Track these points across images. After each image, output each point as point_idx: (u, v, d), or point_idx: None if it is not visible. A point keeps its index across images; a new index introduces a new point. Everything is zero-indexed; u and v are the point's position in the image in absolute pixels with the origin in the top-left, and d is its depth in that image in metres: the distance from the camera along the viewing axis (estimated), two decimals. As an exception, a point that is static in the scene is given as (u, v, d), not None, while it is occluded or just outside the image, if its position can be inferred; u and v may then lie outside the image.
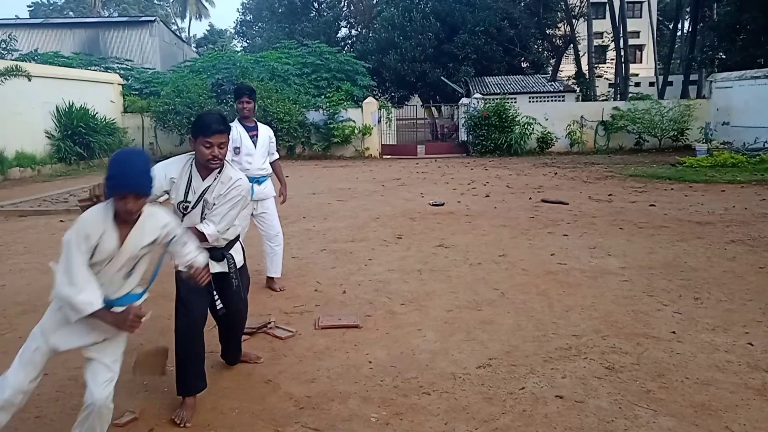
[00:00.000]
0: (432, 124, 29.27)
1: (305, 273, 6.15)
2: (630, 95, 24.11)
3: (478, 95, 22.19)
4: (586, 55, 26.60)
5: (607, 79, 33.09)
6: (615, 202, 10.00)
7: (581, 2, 29.66)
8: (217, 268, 3.35)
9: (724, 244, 6.92)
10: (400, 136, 23.94)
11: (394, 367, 3.83)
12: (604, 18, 33.01)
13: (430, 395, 3.44)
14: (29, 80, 14.84)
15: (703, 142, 17.87)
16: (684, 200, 10.06)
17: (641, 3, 43.11)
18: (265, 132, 5.51)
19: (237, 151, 5.27)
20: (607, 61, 34.28)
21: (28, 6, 54.69)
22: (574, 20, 28.63)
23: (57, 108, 17.36)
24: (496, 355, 3.97)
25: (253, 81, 19.78)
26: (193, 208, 3.22)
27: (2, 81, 14.17)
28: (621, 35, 25.54)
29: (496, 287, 5.48)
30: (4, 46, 19.25)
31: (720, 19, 26.89)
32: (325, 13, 39.10)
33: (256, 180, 5.34)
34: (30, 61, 19.21)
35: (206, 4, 58.58)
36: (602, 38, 32.69)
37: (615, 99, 25.89)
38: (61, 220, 9.48)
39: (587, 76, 27.07)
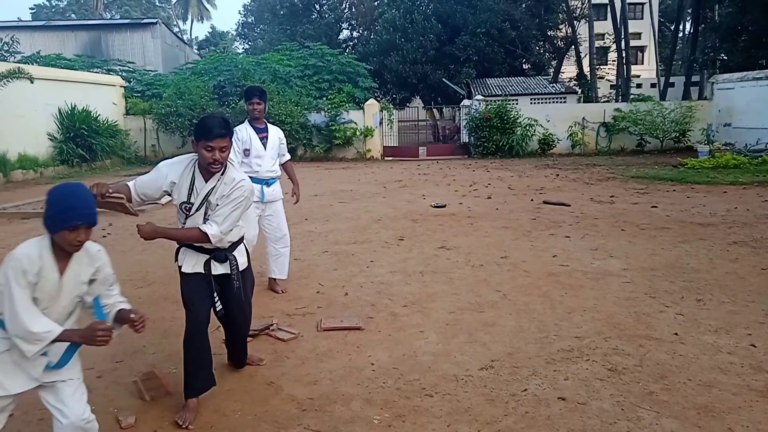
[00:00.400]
0: (433, 126, 29.29)
1: (307, 275, 6.15)
2: (631, 97, 24.12)
3: (479, 97, 22.20)
4: (588, 56, 26.60)
5: (608, 80, 33.08)
6: (617, 204, 10.00)
7: (582, 4, 29.67)
8: (219, 269, 3.36)
9: (726, 245, 6.92)
10: (401, 138, 23.96)
11: (396, 369, 3.84)
12: (606, 19, 33.07)
13: (432, 397, 3.44)
14: (32, 82, 14.87)
15: (704, 144, 17.87)
16: (686, 202, 10.05)
17: (642, 4, 43.12)
18: (275, 133, 5.46)
19: (247, 153, 5.23)
20: (609, 62, 34.26)
21: (30, 8, 54.89)
22: (575, 22, 28.66)
23: (59, 110, 17.40)
24: (499, 357, 3.97)
25: (255, 83, 19.81)
26: (196, 210, 3.22)
27: (5, 83, 14.19)
28: (622, 36, 25.55)
29: (498, 289, 5.48)
30: (7, 48, 19.31)
31: (721, 20, 26.89)
32: (326, 15, 39.14)
33: (265, 182, 5.31)
34: (32, 64, 19.25)
35: (208, 6, 58.66)
36: (604, 40, 32.73)
37: (616, 100, 25.87)
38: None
39: (589, 78, 27.07)
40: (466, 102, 22.58)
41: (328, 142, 20.32)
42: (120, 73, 23.42)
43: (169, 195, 3.28)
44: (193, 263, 3.31)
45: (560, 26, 32.53)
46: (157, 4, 59.18)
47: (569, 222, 8.56)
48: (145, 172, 3.40)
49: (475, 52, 30.13)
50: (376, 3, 39.29)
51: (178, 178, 3.22)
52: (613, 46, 28.76)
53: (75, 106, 17.67)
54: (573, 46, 29.30)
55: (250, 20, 45.28)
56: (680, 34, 34.42)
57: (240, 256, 3.45)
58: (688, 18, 32.70)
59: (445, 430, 3.09)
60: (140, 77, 24.08)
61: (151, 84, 23.20)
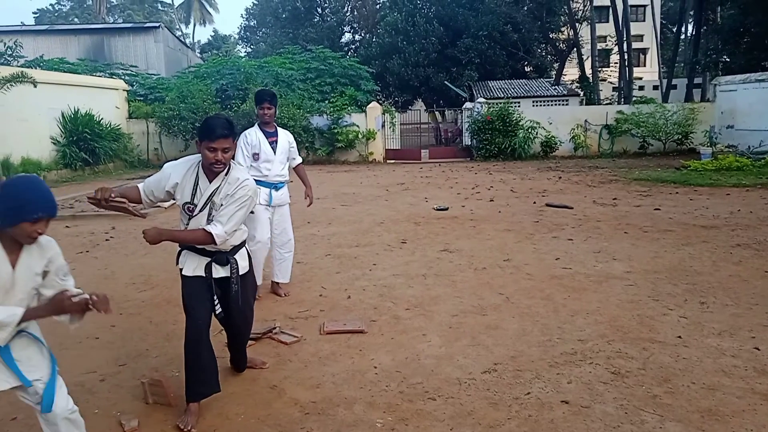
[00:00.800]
0: (436, 129, 29.28)
1: (310, 278, 6.15)
2: (634, 99, 24.10)
3: (481, 99, 22.21)
4: (590, 58, 26.60)
5: (610, 82, 33.09)
6: (619, 206, 9.99)
7: (584, 6, 29.69)
8: (221, 272, 3.36)
9: (729, 248, 6.90)
10: (403, 141, 23.96)
11: (399, 372, 3.83)
12: (608, 22, 33.04)
13: (435, 400, 3.44)
14: (35, 86, 14.90)
15: (707, 146, 17.83)
16: (689, 204, 10.04)
17: (645, 6, 43.14)
18: (284, 137, 5.42)
19: (256, 157, 5.20)
20: (611, 64, 34.29)
21: (33, 13, 55.26)
22: (577, 24, 28.68)
23: (62, 114, 17.45)
24: (502, 360, 3.96)
25: (257, 86, 19.83)
26: (200, 210, 3.23)
27: (8, 87, 14.23)
28: (624, 39, 25.56)
29: (501, 292, 5.48)
30: (10, 52, 19.34)
31: (724, 22, 26.89)
32: (328, 19, 39.23)
33: (273, 186, 5.30)
34: (35, 68, 19.28)
35: (210, 10, 58.84)
36: (606, 42, 32.72)
37: (619, 103, 25.87)
38: (67, 226, 9.52)
39: (591, 80, 27.07)
40: (468, 105, 22.58)
41: (331, 145, 20.34)
42: (123, 77, 23.47)
43: (172, 196, 3.29)
44: (194, 266, 3.31)
45: (562, 29, 32.53)
46: (160, 8, 59.36)
47: (572, 225, 8.55)
48: (149, 175, 3.41)
49: (477, 55, 30.14)
50: (378, 6, 39.37)
51: (181, 178, 3.23)
52: (615, 49, 28.75)
53: (78, 109, 17.72)
54: (575, 49, 29.31)
55: (252, 24, 45.41)
56: (682, 36, 34.39)
57: (242, 259, 3.45)
58: (691, 20, 32.71)
59: (448, 433, 3.09)
60: (143, 81, 24.14)
61: (153, 88, 23.25)
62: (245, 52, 46.61)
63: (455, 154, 21.74)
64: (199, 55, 44.93)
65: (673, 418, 3.16)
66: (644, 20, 44.43)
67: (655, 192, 11.60)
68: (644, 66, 46.40)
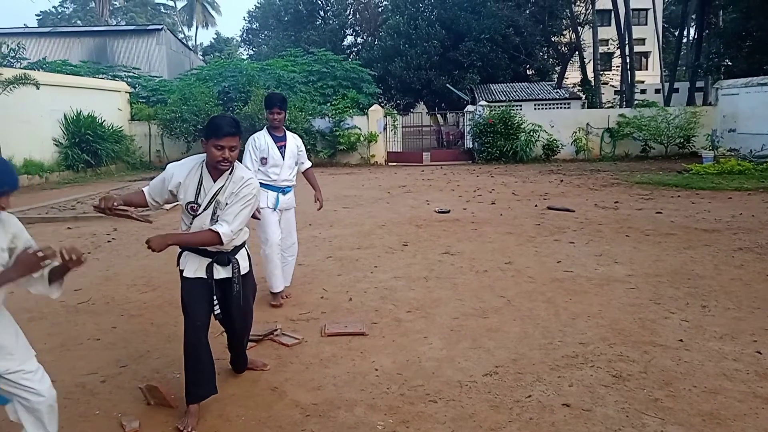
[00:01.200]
0: (437, 132, 29.29)
1: (311, 280, 6.15)
2: (636, 102, 24.08)
3: (483, 102, 22.21)
4: (592, 62, 26.62)
5: (612, 86, 33.11)
6: (621, 210, 9.98)
7: (586, 10, 29.70)
8: (222, 273, 3.36)
9: (731, 251, 6.89)
10: (405, 144, 23.97)
11: (400, 374, 3.83)
12: (610, 25, 33.05)
13: (436, 403, 3.44)
14: (37, 88, 14.96)
15: (709, 149, 17.83)
16: (691, 207, 10.03)
17: (647, 10, 43.09)
18: (293, 142, 5.37)
19: (264, 161, 5.15)
20: (613, 68, 34.26)
21: (36, 15, 55.38)
22: (579, 27, 28.68)
23: (65, 116, 17.50)
24: (503, 363, 3.96)
25: (259, 89, 19.88)
26: (204, 209, 3.23)
27: (11, 89, 14.28)
28: (626, 42, 25.56)
29: (502, 295, 5.48)
30: (13, 54, 19.37)
31: (726, 26, 26.90)
32: (330, 21, 39.25)
33: (281, 190, 5.27)
34: (38, 70, 19.36)
35: (213, 13, 58.93)
36: (608, 45, 32.72)
37: (621, 106, 25.88)
38: (69, 228, 9.54)
39: (593, 84, 27.08)
40: (470, 107, 22.59)
41: (332, 148, 20.36)
42: (125, 79, 23.53)
43: (175, 195, 3.29)
44: (195, 267, 3.31)
45: (564, 32, 32.52)
46: (163, 10, 59.49)
47: (573, 228, 8.54)
48: (151, 177, 3.42)
49: (479, 58, 30.17)
50: (380, 9, 39.42)
51: (185, 177, 3.23)
52: (617, 52, 28.74)
53: (80, 111, 17.77)
54: (577, 52, 29.31)
55: (254, 26, 45.45)
56: (684, 40, 34.37)
57: (242, 260, 3.46)
58: (693, 24, 32.66)
59: (449, 436, 3.09)
60: (145, 83, 24.20)
61: (156, 90, 23.31)
62: (247, 54, 46.67)
63: (457, 156, 21.74)
64: (201, 57, 45.00)
65: (674, 421, 3.16)
66: (646, 24, 44.37)
67: (657, 195, 11.59)
68: (646, 69, 46.36)
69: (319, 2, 39.92)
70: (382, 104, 27.04)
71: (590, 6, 28.45)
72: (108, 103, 19.69)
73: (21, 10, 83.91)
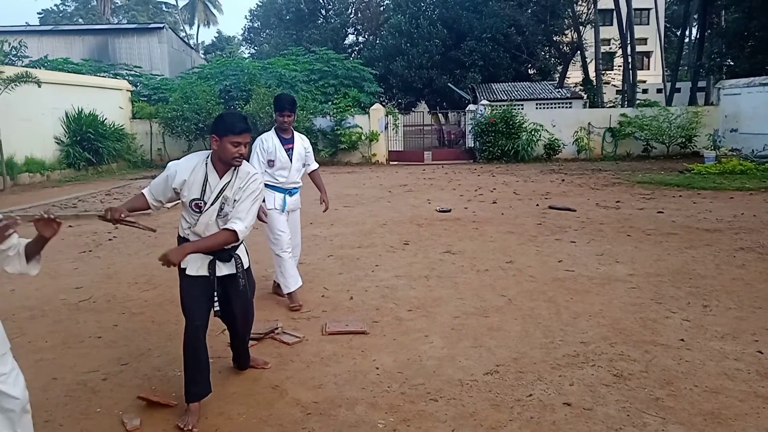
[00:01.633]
0: (439, 131, 29.30)
1: (312, 279, 6.15)
2: (637, 102, 24.06)
3: (485, 102, 22.21)
4: (594, 61, 26.58)
5: (614, 85, 33.05)
6: (623, 209, 9.97)
7: (588, 9, 29.66)
8: (224, 270, 3.37)
9: (732, 251, 6.89)
10: (406, 143, 23.98)
11: (401, 373, 3.83)
12: (612, 25, 33.03)
13: (437, 402, 3.44)
14: (39, 86, 14.97)
15: (711, 149, 17.82)
16: (692, 207, 10.02)
17: (648, 10, 43.00)
18: (300, 144, 5.28)
19: (271, 164, 5.09)
20: (615, 67, 34.21)
21: (38, 13, 55.41)
22: (581, 27, 28.64)
23: (66, 114, 17.52)
24: (504, 362, 3.95)
25: (261, 87, 19.88)
26: (210, 205, 3.24)
27: (13, 87, 14.29)
28: (628, 42, 25.52)
29: (503, 294, 5.47)
30: (15, 52, 19.37)
31: (728, 25, 26.85)
32: (332, 20, 39.22)
33: (288, 192, 5.23)
34: (40, 68, 19.37)
35: (214, 11, 58.92)
36: (609, 45, 32.65)
37: (622, 106, 25.85)
38: (70, 225, 9.54)
39: (594, 83, 27.04)
40: (471, 107, 22.57)
41: (334, 147, 20.37)
42: (127, 78, 23.54)
43: (177, 194, 3.29)
44: (197, 266, 3.31)
45: (566, 31, 32.45)
46: (164, 9, 59.47)
47: (575, 227, 8.54)
48: (152, 176, 3.43)
49: (481, 57, 30.13)
50: (381, 8, 39.37)
51: (189, 175, 3.23)
52: (619, 52, 28.69)
53: (82, 109, 17.78)
54: (579, 52, 29.27)
55: (256, 25, 45.44)
56: (686, 40, 34.31)
57: (243, 255, 3.48)
58: (695, 23, 32.63)
59: (449, 434, 3.09)
60: (147, 81, 24.20)
61: (157, 88, 23.31)
62: (249, 53, 46.68)
63: (458, 156, 21.74)
64: (202, 56, 44.98)
65: (675, 420, 3.16)
66: (648, 23, 44.33)
67: (659, 195, 11.58)
68: (648, 69, 46.29)
69: (321, 1, 39.88)
70: (384, 103, 27.05)
71: (592, 5, 28.42)
72: (109, 102, 19.70)
73: (23, 8, 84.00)
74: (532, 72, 34.30)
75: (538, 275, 6.06)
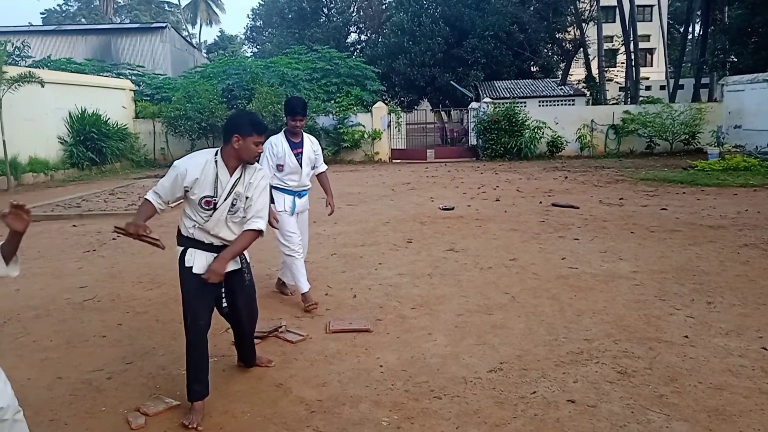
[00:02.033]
0: (441, 129, 29.27)
1: (316, 277, 6.15)
2: (641, 99, 24.00)
3: (487, 99, 22.18)
4: (596, 58, 26.50)
5: (617, 82, 32.92)
6: (626, 206, 9.95)
7: (591, 6, 29.58)
8: (230, 266, 3.38)
9: (737, 248, 6.87)
10: (409, 141, 23.97)
11: (405, 371, 3.83)
12: (614, 22, 32.88)
13: (441, 399, 3.44)
14: (42, 86, 14.99)
15: (714, 146, 17.75)
16: (696, 204, 10.00)
17: (651, 6, 42.91)
18: (310, 147, 5.19)
19: (280, 168, 5.02)
20: (618, 64, 34.10)
21: (41, 13, 55.56)
22: (584, 24, 28.55)
23: (70, 114, 17.54)
24: (508, 360, 3.95)
25: (264, 86, 19.89)
26: (223, 202, 3.26)
27: (16, 87, 14.31)
28: (631, 39, 25.44)
29: (506, 291, 5.47)
30: (18, 52, 19.44)
31: (731, 22, 26.74)
32: (334, 19, 39.22)
33: (297, 194, 5.19)
34: (43, 68, 19.37)
35: (217, 11, 58.97)
36: (612, 42, 32.56)
37: (625, 103, 25.76)
38: (74, 225, 9.57)
39: (597, 80, 26.97)
40: (474, 104, 22.56)
41: (336, 145, 20.37)
42: (129, 77, 23.57)
43: (186, 193, 3.28)
44: (202, 263, 3.32)
45: (569, 29, 32.38)
46: (167, 8, 59.54)
47: (578, 224, 8.53)
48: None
49: (483, 55, 30.08)
50: (384, 6, 39.35)
51: (200, 173, 3.24)
52: (622, 49, 28.63)
53: (85, 109, 17.80)
54: (581, 49, 29.19)
55: (258, 24, 45.49)
56: (690, 36, 34.22)
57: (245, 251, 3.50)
58: (698, 20, 32.52)
59: (453, 432, 3.09)
60: (149, 81, 24.22)
61: (160, 87, 23.33)
62: (251, 52, 46.74)
63: (461, 154, 21.72)
64: (205, 55, 45.02)
65: (679, 417, 3.15)
66: (651, 20, 44.22)
67: (662, 192, 11.56)
68: (651, 66, 46.16)
69: (323, -1, 39.94)
70: (386, 101, 27.02)
71: (595, 2, 28.35)
72: (112, 101, 19.73)
73: (25, 9, 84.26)
74: (534, 69, 34.25)
75: (541, 273, 6.05)
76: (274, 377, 3.79)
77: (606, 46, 28.98)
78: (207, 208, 3.26)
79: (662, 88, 33.39)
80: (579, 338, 4.28)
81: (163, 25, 32.44)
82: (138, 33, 31.24)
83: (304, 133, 5.22)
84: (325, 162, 5.65)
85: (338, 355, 4.11)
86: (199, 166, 3.24)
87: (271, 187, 4.58)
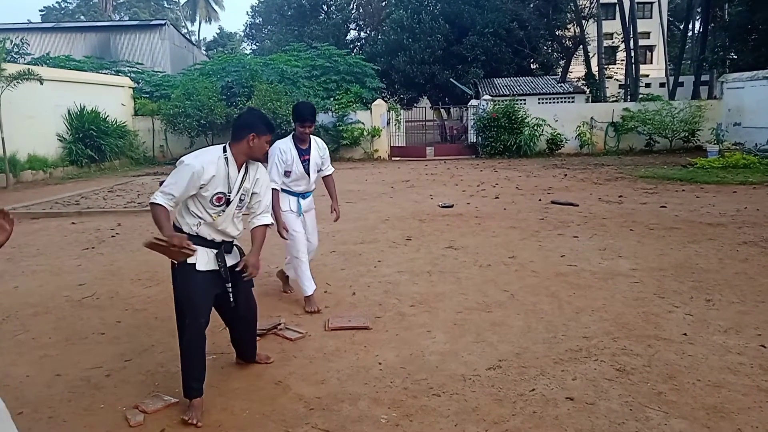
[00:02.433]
0: (441, 126, 29.24)
1: (315, 275, 6.10)
2: (640, 96, 23.98)
3: (487, 97, 22.16)
4: (596, 56, 26.48)
5: (617, 80, 32.90)
6: (625, 204, 9.95)
7: (591, 3, 29.55)
8: (230, 260, 3.43)
9: (736, 245, 6.87)
10: (409, 138, 23.95)
11: (403, 368, 3.84)
12: (614, 19, 32.87)
13: (440, 397, 3.44)
14: (41, 84, 14.98)
15: (714, 143, 17.75)
16: (695, 201, 10.00)
17: (651, 3, 42.92)
18: (317, 153, 5.12)
19: (288, 174, 4.96)
20: (617, 62, 34.08)
21: (40, 10, 55.36)
22: (583, 21, 28.52)
23: (69, 111, 17.53)
24: (506, 357, 3.96)
25: (263, 83, 19.86)
26: (234, 197, 3.32)
27: (15, 85, 14.30)
28: (631, 36, 25.41)
29: (505, 289, 5.47)
30: (17, 50, 19.42)
31: (731, 19, 26.70)
32: (334, 16, 39.17)
33: (301, 195, 5.16)
34: (42, 65, 19.38)
35: (216, 8, 58.92)
36: (612, 39, 32.53)
37: (625, 100, 25.73)
38: (73, 222, 9.56)
39: (597, 78, 26.95)
40: (473, 102, 22.54)
41: (336, 143, 20.34)
42: (129, 75, 23.54)
43: (200, 190, 3.25)
44: (205, 260, 3.32)
45: (568, 26, 32.35)
46: (166, 5, 59.48)
47: (577, 222, 8.52)
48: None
49: (483, 52, 30.07)
50: (383, 3, 39.29)
51: (216, 170, 3.25)
52: (622, 46, 28.59)
53: (84, 107, 17.79)
54: (581, 46, 29.15)
55: (257, 21, 45.40)
56: (689, 33, 34.18)
57: (239, 245, 3.58)
58: (698, 17, 32.48)
59: (452, 429, 3.09)
60: (149, 78, 24.19)
61: (159, 85, 23.31)
62: (251, 49, 46.67)
63: (460, 151, 21.70)
64: (204, 52, 44.96)
65: (678, 415, 3.15)
66: (651, 17, 44.22)
67: (662, 189, 11.56)
68: (651, 63, 46.16)
69: (322, -3, 39.88)
70: (386, 99, 27.01)
71: (594, -1, 28.33)
72: (111, 99, 19.71)
73: (24, 6, 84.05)
74: (534, 67, 34.24)
75: (540, 270, 6.05)
76: (273, 374, 3.80)
77: (606, 43, 28.93)
78: (218, 204, 3.29)
79: (662, 85, 33.41)
80: (578, 336, 4.28)
81: (162, 22, 32.39)
82: (137, 30, 31.19)
83: (311, 137, 5.13)
84: (326, 160, 5.55)
85: (337, 353, 4.11)
86: (213, 163, 3.25)
87: (275, 190, 4.58)
